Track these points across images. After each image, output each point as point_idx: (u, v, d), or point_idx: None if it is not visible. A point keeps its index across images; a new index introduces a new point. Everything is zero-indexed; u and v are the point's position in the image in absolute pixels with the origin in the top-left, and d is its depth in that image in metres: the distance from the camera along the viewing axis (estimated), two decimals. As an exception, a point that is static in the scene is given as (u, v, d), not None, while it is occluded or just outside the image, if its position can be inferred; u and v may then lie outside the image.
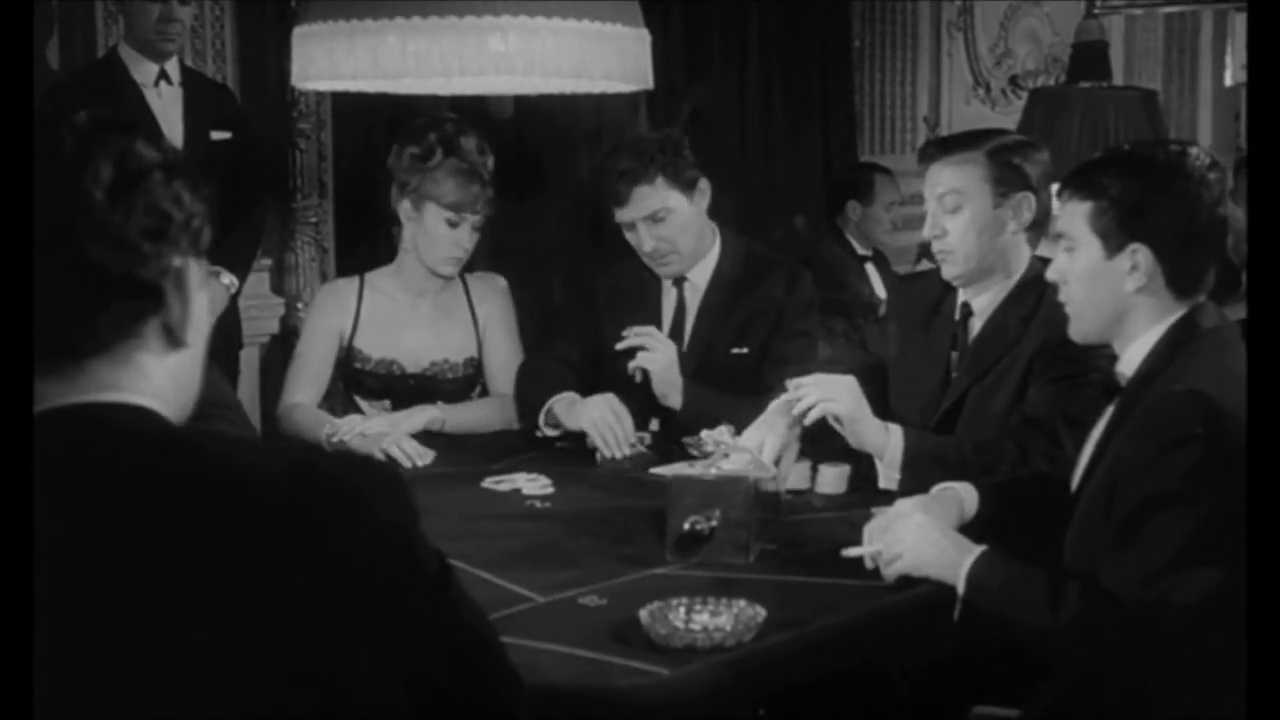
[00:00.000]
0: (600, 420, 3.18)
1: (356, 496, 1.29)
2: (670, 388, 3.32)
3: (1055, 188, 2.36)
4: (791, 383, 2.79)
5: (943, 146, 3.03)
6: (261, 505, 1.25)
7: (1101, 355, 2.61)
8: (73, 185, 1.24)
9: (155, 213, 1.28)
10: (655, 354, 3.29)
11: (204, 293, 1.37)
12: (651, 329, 3.34)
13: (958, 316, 3.01)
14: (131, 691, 1.19)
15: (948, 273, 2.98)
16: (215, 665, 1.20)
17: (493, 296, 3.57)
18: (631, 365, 3.30)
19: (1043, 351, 2.85)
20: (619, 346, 3.30)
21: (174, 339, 1.32)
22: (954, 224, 2.92)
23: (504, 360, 3.54)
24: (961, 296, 3.01)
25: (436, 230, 3.39)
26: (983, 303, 2.98)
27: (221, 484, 1.25)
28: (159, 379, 1.32)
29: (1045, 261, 2.94)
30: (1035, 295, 2.91)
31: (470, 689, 1.41)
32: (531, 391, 3.38)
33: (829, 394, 2.76)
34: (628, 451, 3.17)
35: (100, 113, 1.32)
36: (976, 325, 2.99)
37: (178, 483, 1.25)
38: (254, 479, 1.27)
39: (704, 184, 3.41)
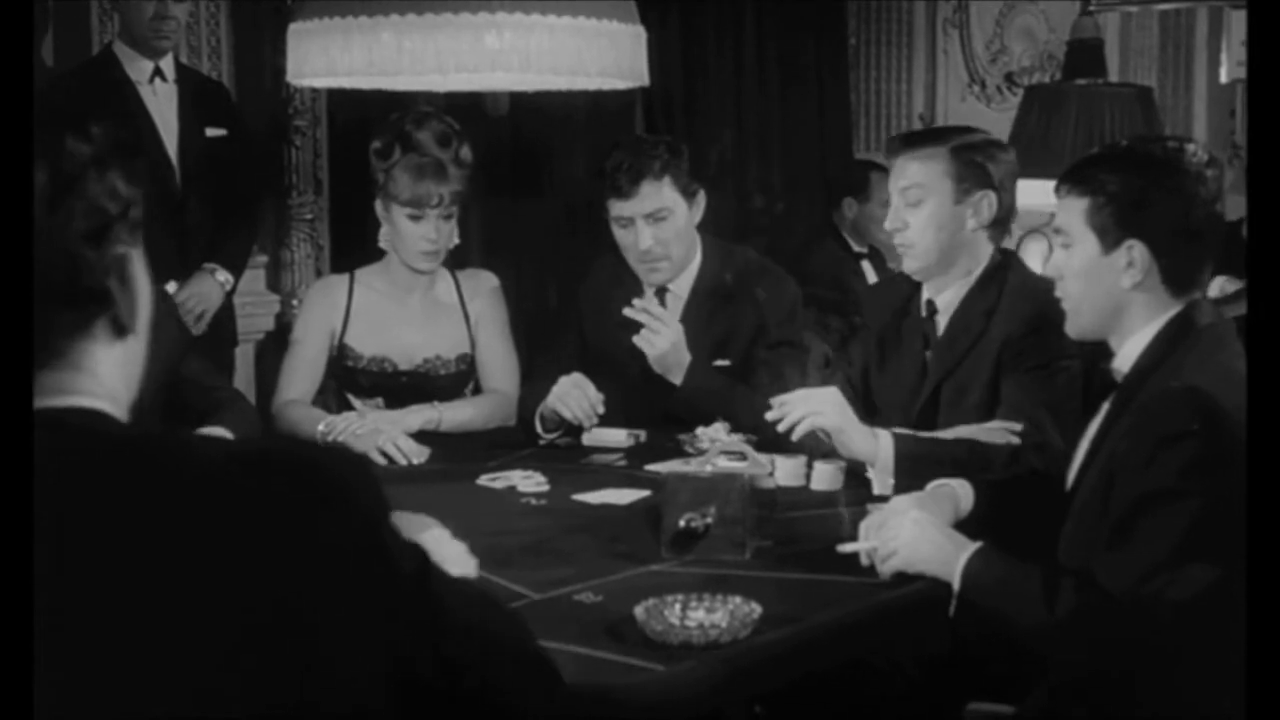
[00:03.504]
0: (563, 394, 3.23)
1: (316, 488, 1.24)
2: (671, 368, 3.33)
3: (1057, 185, 2.35)
4: (775, 400, 2.81)
5: (908, 141, 3.08)
6: (217, 502, 1.21)
7: (1068, 342, 2.66)
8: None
9: (93, 213, 1.23)
10: (660, 337, 3.31)
11: (146, 277, 1.32)
12: (660, 310, 3.35)
13: (924, 314, 3.05)
14: (103, 694, 1.17)
15: (907, 266, 3.04)
16: (184, 667, 1.17)
17: (484, 293, 3.57)
18: (636, 339, 3.31)
19: (1009, 344, 2.90)
20: (625, 312, 3.31)
21: (121, 329, 1.28)
22: (915, 218, 2.98)
23: (496, 357, 3.54)
24: (925, 294, 3.05)
25: (402, 227, 3.40)
26: (946, 299, 3.03)
27: (176, 482, 1.22)
28: (106, 375, 1.28)
29: (1006, 253, 3.05)
30: (997, 288, 2.97)
31: (464, 683, 1.39)
32: (531, 410, 3.36)
33: (814, 408, 2.77)
34: (595, 421, 3.23)
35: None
36: (942, 322, 3.03)
37: (133, 483, 1.21)
38: (208, 474, 1.22)
39: (701, 196, 3.44)
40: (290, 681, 1.20)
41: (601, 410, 3.24)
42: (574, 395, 3.24)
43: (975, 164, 2.97)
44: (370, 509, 1.27)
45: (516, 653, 1.48)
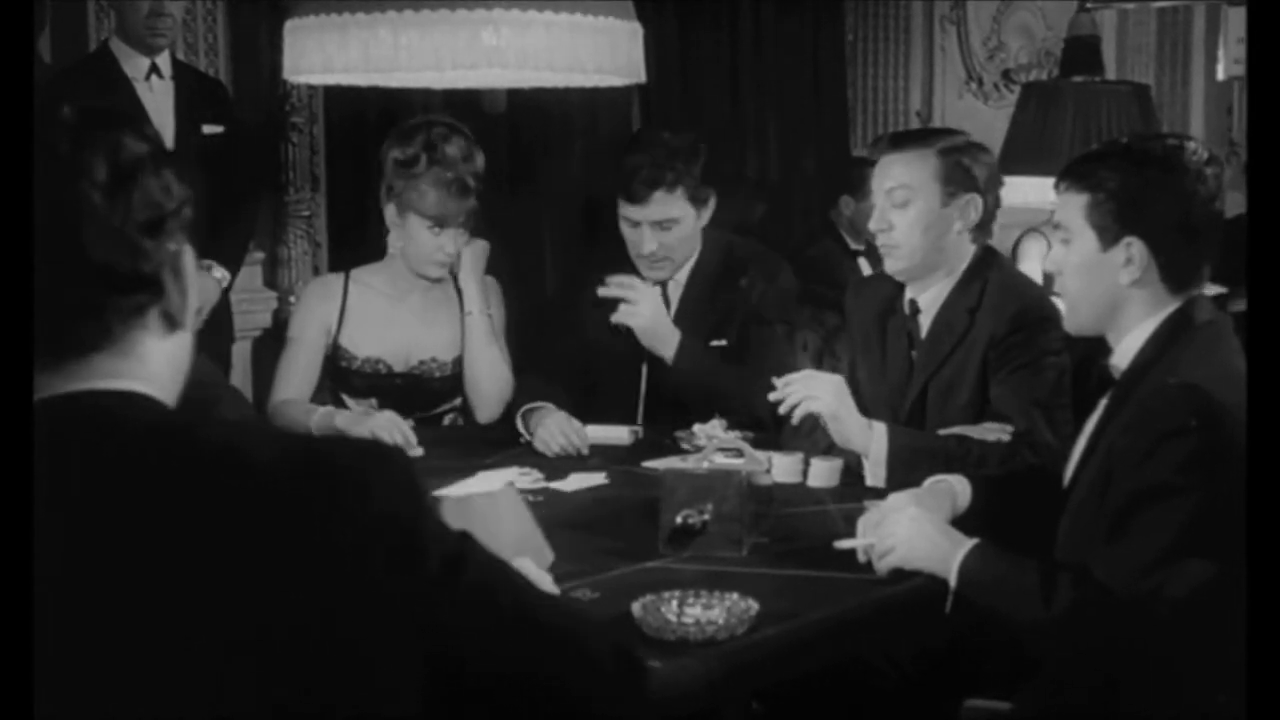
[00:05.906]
0: (550, 440, 3.19)
1: (353, 485, 1.28)
2: (660, 340, 3.33)
3: (1062, 186, 2.35)
4: (779, 380, 2.81)
5: (895, 141, 3.08)
6: (257, 493, 1.25)
7: (1053, 339, 2.74)
8: (70, 185, 1.25)
9: (150, 205, 1.29)
10: (640, 306, 3.31)
11: (195, 275, 1.38)
12: (633, 279, 3.34)
13: (908, 313, 3.05)
14: (126, 685, 1.19)
15: (891, 267, 3.03)
16: (210, 653, 1.20)
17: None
18: (614, 318, 3.30)
19: (994, 343, 2.91)
20: (601, 293, 3.31)
21: (172, 323, 1.35)
22: (901, 219, 2.97)
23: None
24: (909, 294, 3.05)
25: (420, 237, 3.38)
26: (929, 298, 3.03)
27: (218, 470, 1.26)
28: (157, 365, 1.34)
29: (989, 250, 3.05)
30: (980, 285, 2.98)
31: (507, 675, 1.41)
32: (519, 403, 3.36)
33: (813, 391, 2.78)
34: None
35: (85, 106, 1.32)
36: (926, 321, 3.03)
37: (176, 470, 1.25)
38: (250, 466, 1.27)
39: (712, 201, 3.44)
40: (320, 675, 1.23)
41: (635, 431, 3.24)
42: (555, 440, 3.19)
43: (961, 166, 2.97)
44: (397, 504, 1.30)
45: (592, 654, 1.51)
